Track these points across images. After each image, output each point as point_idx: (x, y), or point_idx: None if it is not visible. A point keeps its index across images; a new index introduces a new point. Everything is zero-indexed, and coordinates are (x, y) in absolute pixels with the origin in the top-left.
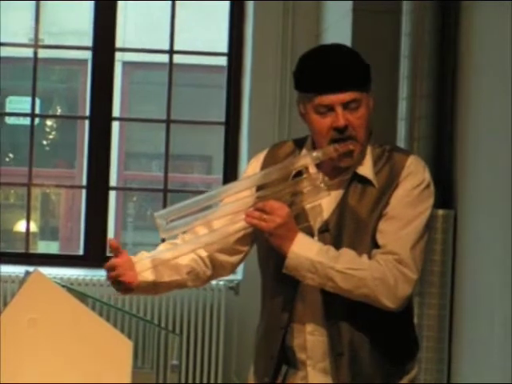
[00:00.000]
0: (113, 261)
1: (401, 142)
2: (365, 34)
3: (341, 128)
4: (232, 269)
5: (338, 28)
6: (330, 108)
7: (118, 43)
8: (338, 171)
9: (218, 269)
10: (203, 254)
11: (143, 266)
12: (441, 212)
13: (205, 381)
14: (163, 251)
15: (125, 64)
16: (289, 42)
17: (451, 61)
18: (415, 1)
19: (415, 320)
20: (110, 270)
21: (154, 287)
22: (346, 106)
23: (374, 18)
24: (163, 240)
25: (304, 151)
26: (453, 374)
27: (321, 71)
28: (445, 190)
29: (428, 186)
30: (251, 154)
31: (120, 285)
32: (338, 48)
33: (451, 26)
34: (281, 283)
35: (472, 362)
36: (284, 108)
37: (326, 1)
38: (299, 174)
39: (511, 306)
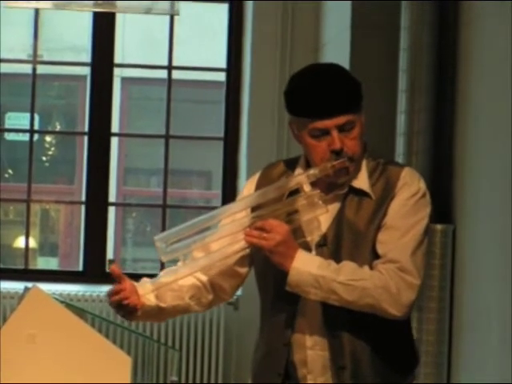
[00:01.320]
0: (116, 286)
1: (399, 157)
2: (363, 48)
3: (337, 151)
4: (232, 292)
5: (336, 43)
6: (325, 131)
7: (117, 59)
8: (333, 187)
9: (218, 292)
10: (203, 278)
11: (146, 288)
12: (439, 226)
13: None
14: (163, 276)
15: (123, 80)
16: (287, 58)
17: (449, 74)
18: (413, 15)
19: (414, 335)
20: (112, 295)
21: (158, 312)
22: (340, 128)
23: (372, 32)
24: (163, 263)
25: (299, 170)
26: None
27: (314, 97)
28: (443, 205)
29: (424, 195)
30: (250, 169)
31: (123, 309)
32: (329, 70)
33: (449, 40)
34: (280, 300)
35: (471, 377)
36: (283, 123)
37: (324, 16)
38: (294, 192)
39: (510, 320)
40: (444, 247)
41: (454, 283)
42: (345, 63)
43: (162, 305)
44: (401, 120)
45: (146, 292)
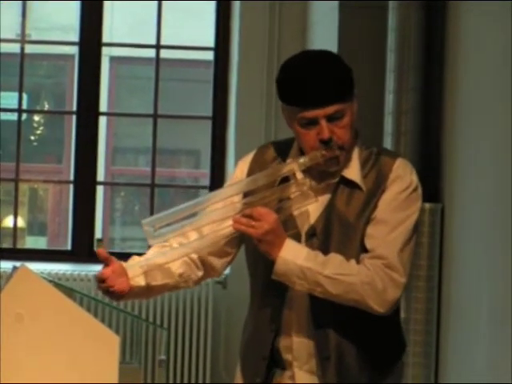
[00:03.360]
0: (102, 272)
1: (388, 137)
2: (351, 29)
3: (326, 140)
4: (222, 270)
5: (324, 23)
6: (314, 121)
7: (105, 38)
8: (325, 176)
9: (208, 270)
10: (194, 255)
11: (135, 271)
12: (428, 205)
13: (193, 375)
14: (155, 256)
15: (112, 59)
16: (275, 37)
17: (438, 54)
18: None
19: (402, 314)
20: (99, 281)
21: (146, 291)
22: (329, 117)
23: (360, 13)
24: (149, 247)
25: (291, 156)
26: (440, 368)
27: (302, 87)
28: (432, 184)
29: (415, 189)
30: (238, 148)
31: (110, 294)
32: (319, 59)
33: (437, 21)
34: (269, 288)
35: (459, 356)
36: (271, 102)
37: None
38: (286, 179)
39: (498, 299)
40: (432, 226)
41: (443, 262)
42: (333, 43)
43: (152, 283)
44: (389, 100)
45: (135, 275)
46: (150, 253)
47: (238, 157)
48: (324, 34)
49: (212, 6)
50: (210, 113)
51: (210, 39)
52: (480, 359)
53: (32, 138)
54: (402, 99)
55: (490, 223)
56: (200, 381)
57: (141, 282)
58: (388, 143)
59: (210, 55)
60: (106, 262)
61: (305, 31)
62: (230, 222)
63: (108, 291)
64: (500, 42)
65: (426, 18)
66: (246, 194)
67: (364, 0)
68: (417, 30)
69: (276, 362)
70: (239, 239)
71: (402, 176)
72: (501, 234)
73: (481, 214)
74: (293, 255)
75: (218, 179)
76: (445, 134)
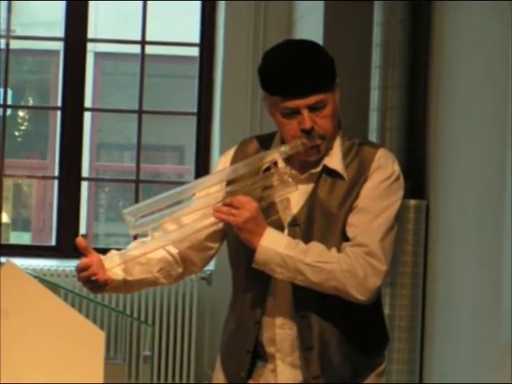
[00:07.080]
0: (84, 261)
1: (373, 133)
2: (337, 23)
3: (307, 130)
4: (202, 266)
5: (310, 18)
6: (296, 110)
7: (90, 34)
8: (307, 165)
9: (188, 266)
10: (174, 251)
11: (113, 262)
12: (413, 202)
13: (177, 371)
14: (132, 249)
15: (97, 55)
16: (261, 33)
17: (423, 50)
18: None
19: (387, 310)
20: (81, 270)
21: (124, 285)
22: (311, 107)
23: (346, 7)
24: (135, 237)
25: (273, 146)
26: (425, 364)
27: (284, 77)
28: (417, 181)
29: (397, 178)
30: (223, 144)
31: (92, 284)
32: (301, 49)
33: (423, 16)
34: (252, 278)
35: (444, 352)
36: (256, 98)
37: None
38: (268, 168)
39: (483, 296)
40: (417, 223)
41: (427, 259)
42: (318, 38)
43: (129, 278)
44: (374, 96)
45: (112, 266)
46: (129, 247)
47: (223, 153)
48: (309, 30)
49: (197, 2)
50: (194, 109)
51: (195, 35)
52: (464, 356)
53: (16, 133)
54: (388, 95)
55: (474, 220)
56: (184, 376)
57: (119, 274)
58: (373, 139)
59: (195, 51)
60: (84, 253)
61: (290, 26)
62: (211, 212)
63: (89, 281)
64: (486, 37)
65: (411, 13)
66: (228, 183)
67: None
68: (402, 25)
69: (258, 355)
70: (221, 234)
71: (384, 166)
72: (485, 231)
73: (466, 211)
74: (274, 243)
75: (202, 175)
76: (430, 130)
